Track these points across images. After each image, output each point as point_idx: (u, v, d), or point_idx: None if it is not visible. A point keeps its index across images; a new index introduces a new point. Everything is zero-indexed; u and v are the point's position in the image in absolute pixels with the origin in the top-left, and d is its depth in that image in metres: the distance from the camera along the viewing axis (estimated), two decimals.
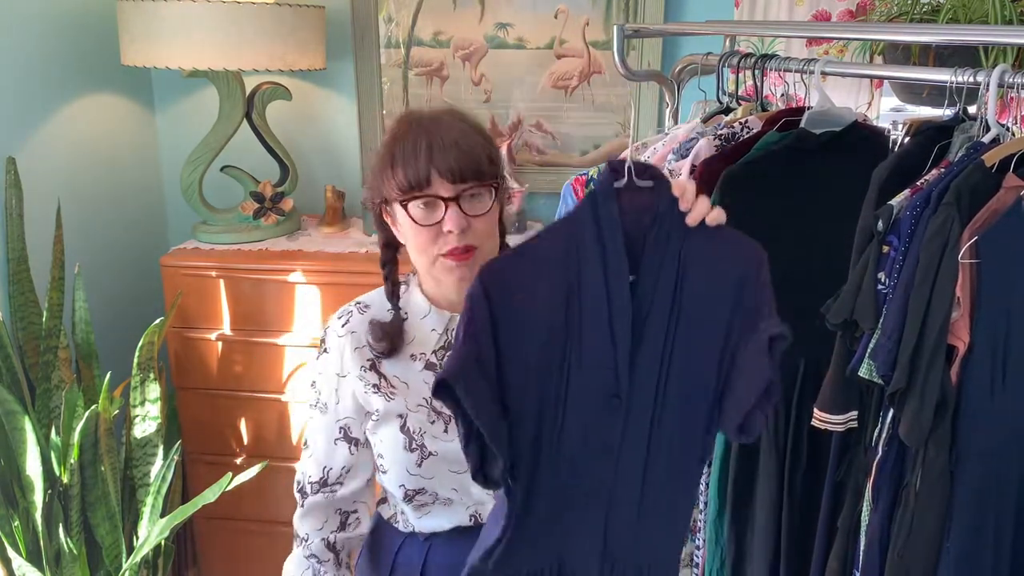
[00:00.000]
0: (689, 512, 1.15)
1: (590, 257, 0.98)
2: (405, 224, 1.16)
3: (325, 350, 1.27)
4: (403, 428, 1.21)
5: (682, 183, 1.00)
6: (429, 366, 1.23)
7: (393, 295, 1.25)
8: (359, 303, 1.28)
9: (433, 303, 1.24)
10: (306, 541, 1.32)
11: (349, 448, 1.26)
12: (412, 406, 1.21)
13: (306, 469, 1.29)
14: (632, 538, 1.07)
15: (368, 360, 1.22)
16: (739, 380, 1.02)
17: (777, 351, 0.99)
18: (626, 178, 0.99)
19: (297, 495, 1.31)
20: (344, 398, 1.24)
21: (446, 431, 1.21)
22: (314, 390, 1.28)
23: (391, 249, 1.25)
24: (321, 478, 1.28)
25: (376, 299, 1.28)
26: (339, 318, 1.27)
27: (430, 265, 1.18)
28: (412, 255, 1.20)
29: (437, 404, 1.20)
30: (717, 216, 1.00)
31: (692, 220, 0.99)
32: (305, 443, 1.30)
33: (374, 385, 1.22)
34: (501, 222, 1.23)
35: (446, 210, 1.12)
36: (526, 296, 0.98)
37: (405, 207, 1.14)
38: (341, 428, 1.26)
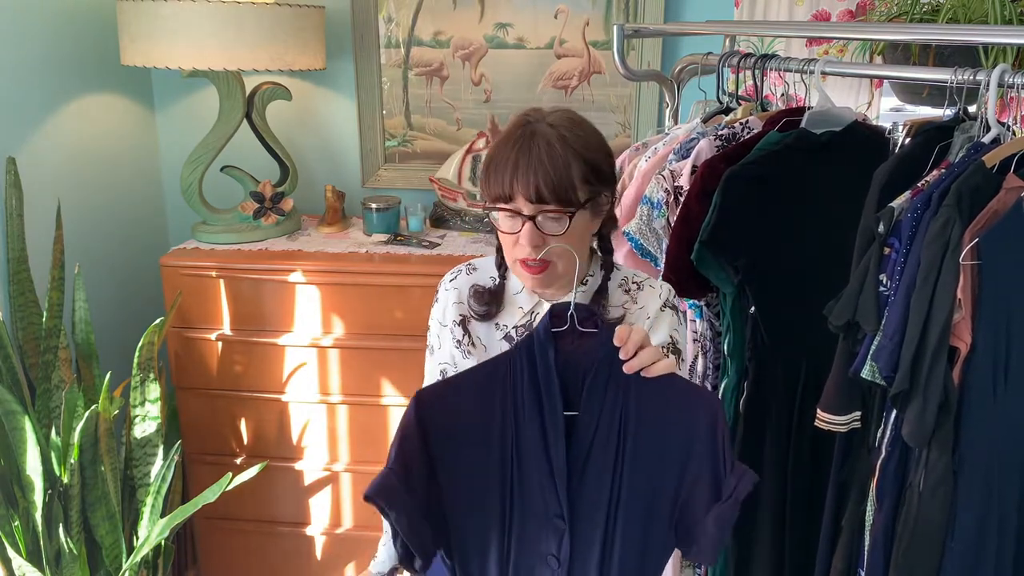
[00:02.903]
0: None
1: (525, 394, 1.08)
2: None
3: (436, 299, 1.36)
4: None
5: (624, 331, 1.06)
6: (508, 338, 1.30)
7: (501, 265, 1.32)
8: (470, 264, 1.37)
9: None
10: None
11: None
12: None
13: None
14: None
15: (461, 316, 1.31)
16: (695, 528, 1.06)
17: (737, 502, 1.04)
18: (567, 324, 1.07)
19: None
20: (444, 344, 1.32)
21: None
22: (430, 333, 1.37)
23: None
24: None
25: (485, 265, 1.36)
26: (451, 274, 1.37)
27: (512, 264, 1.25)
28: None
29: None
30: (659, 369, 1.06)
31: (628, 369, 1.06)
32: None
33: (457, 340, 1.30)
34: (604, 228, 1.28)
35: (523, 225, 1.17)
36: (461, 422, 1.08)
37: (491, 212, 1.22)
38: (440, 371, 1.33)
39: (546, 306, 1.23)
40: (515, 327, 1.30)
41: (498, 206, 1.19)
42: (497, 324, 1.30)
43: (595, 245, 1.31)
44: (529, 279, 1.23)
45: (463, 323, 1.30)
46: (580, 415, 1.07)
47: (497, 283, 1.31)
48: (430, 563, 1.10)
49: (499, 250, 1.30)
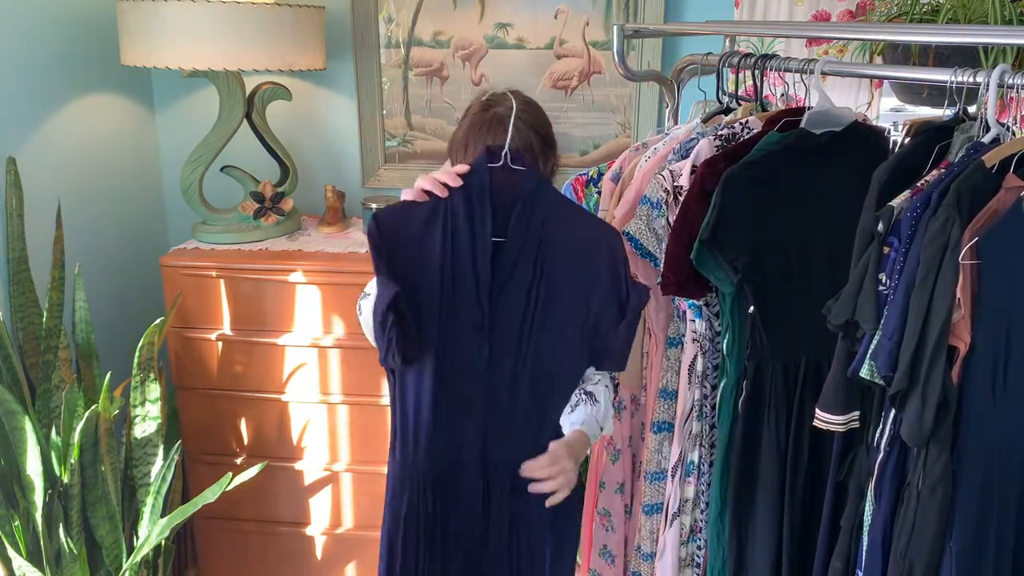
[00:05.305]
0: (553, 429, 1.41)
1: (461, 215, 1.27)
2: None
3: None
4: None
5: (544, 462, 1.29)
6: None
7: None
8: None
9: None
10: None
11: None
12: None
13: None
14: (504, 447, 1.36)
15: None
16: (608, 341, 1.34)
17: (637, 312, 1.33)
18: (501, 161, 1.27)
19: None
20: None
21: None
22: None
23: None
24: None
25: None
26: None
27: None
28: None
29: None
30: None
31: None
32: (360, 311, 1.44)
33: None
34: None
35: None
36: (410, 238, 1.27)
37: None
38: None
39: None
40: None
41: None
42: None
43: None
44: None
45: None
46: (507, 241, 1.28)
47: None
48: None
49: None
